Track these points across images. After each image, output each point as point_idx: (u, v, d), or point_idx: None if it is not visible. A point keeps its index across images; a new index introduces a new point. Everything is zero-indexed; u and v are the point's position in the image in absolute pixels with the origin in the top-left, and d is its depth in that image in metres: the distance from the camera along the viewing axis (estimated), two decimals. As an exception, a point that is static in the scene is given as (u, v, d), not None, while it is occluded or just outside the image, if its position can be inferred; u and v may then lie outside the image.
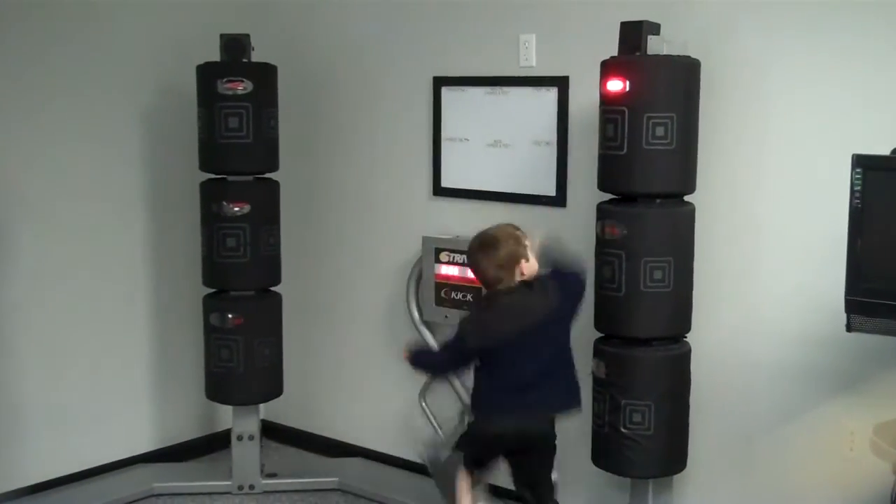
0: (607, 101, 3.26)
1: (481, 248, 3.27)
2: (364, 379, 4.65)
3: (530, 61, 3.92)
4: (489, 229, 3.32)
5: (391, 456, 4.49)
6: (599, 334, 3.43)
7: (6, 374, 4.09)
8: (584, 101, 3.72)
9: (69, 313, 4.26)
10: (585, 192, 3.70)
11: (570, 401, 3.31)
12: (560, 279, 3.26)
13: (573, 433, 3.86)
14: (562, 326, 3.27)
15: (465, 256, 3.97)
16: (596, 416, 3.41)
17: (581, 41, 3.75)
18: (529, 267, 3.25)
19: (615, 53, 3.30)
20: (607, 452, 3.39)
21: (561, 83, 3.83)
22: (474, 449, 3.38)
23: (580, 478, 3.90)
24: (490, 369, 3.30)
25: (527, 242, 3.27)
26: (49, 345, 4.21)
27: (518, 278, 3.24)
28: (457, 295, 4.04)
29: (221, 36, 4.06)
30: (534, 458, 3.37)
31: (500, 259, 3.22)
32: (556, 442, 3.39)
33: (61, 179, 4.19)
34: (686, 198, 3.36)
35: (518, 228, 3.31)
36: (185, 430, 4.75)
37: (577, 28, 3.78)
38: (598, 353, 3.39)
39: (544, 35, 3.88)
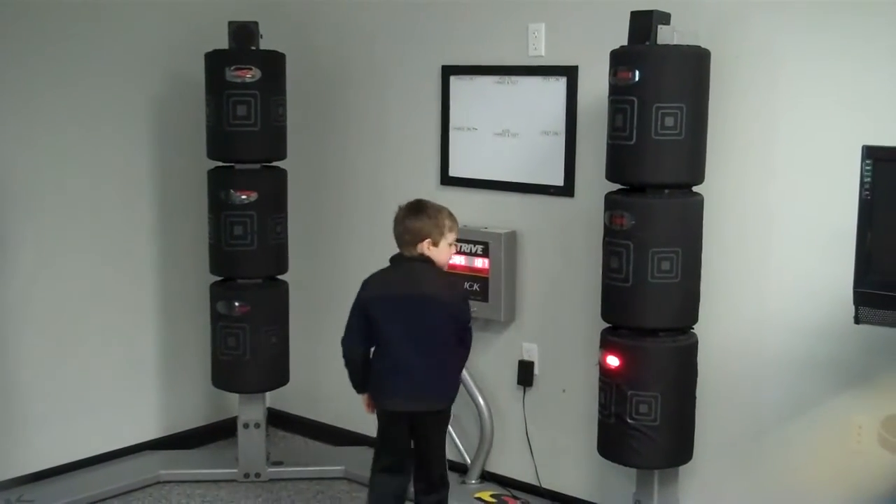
0: (616, 91, 3.24)
1: (408, 210, 3.39)
2: (370, 368, 4.65)
3: (539, 50, 3.90)
4: (425, 201, 3.44)
5: (397, 445, 4.49)
6: (606, 324, 3.43)
7: (13, 362, 4.09)
8: (593, 91, 3.70)
9: (76, 301, 4.27)
10: (593, 182, 3.69)
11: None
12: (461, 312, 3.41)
13: (579, 424, 3.86)
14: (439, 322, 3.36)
15: (470, 246, 3.99)
16: (602, 406, 3.40)
17: (590, 31, 3.74)
18: (437, 253, 3.37)
19: (625, 43, 3.29)
20: (613, 443, 3.38)
21: (570, 73, 3.81)
22: None
23: (586, 468, 3.90)
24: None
25: (448, 233, 3.38)
26: (56, 332, 4.21)
27: (419, 252, 3.36)
28: (463, 283, 4.04)
29: (230, 23, 4.05)
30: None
31: (412, 227, 3.35)
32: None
33: (67, 167, 4.19)
34: (695, 188, 3.34)
35: (450, 217, 3.41)
36: (192, 418, 4.76)
37: (587, 17, 3.76)
38: (604, 343, 3.39)
39: (553, 24, 3.87)
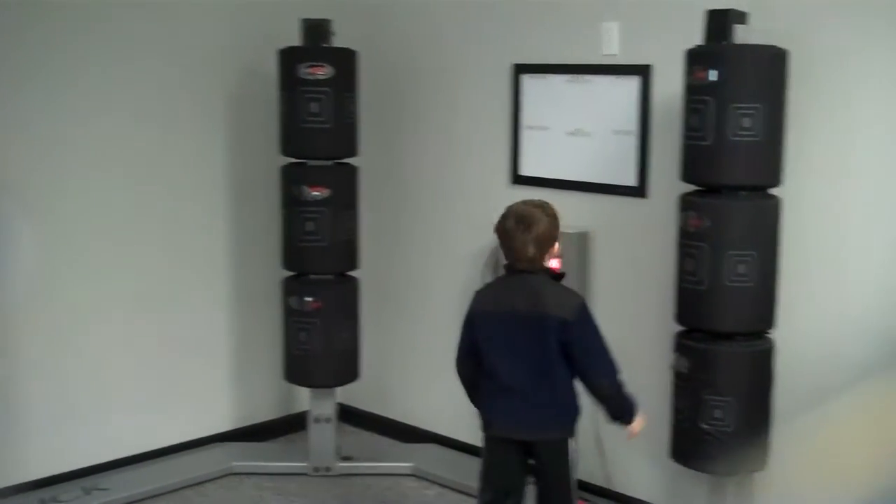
0: (692, 91, 3.19)
1: (518, 224, 2.96)
2: (440, 365, 4.62)
3: (613, 49, 3.86)
4: (526, 202, 3.04)
5: (466, 443, 4.48)
6: (681, 328, 3.38)
7: (96, 354, 4.18)
8: (667, 91, 3.65)
9: (152, 294, 4.34)
10: (667, 182, 3.64)
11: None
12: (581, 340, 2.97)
13: (652, 428, 3.82)
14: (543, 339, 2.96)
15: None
16: (676, 410, 3.37)
17: (664, 29, 3.68)
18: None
19: (699, 42, 3.24)
20: (686, 448, 3.35)
21: (643, 72, 3.77)
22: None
23: (659, 473, 3.86)
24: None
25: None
26: (134, 326, 4.29)
27: (545, 264, 3.01)
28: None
29: (303, 21, 4.08)
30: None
31: (536, 236, 2.95)
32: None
33: (144, 163, 4.26)
34: (772, 191, 3.28)
35: (553, 212, 3.03)
36: (263, 411, 4.81)
37: (661, 16, 3.71)
38: (679, 346, 3.35)
39: (627, 23, 3.82)
